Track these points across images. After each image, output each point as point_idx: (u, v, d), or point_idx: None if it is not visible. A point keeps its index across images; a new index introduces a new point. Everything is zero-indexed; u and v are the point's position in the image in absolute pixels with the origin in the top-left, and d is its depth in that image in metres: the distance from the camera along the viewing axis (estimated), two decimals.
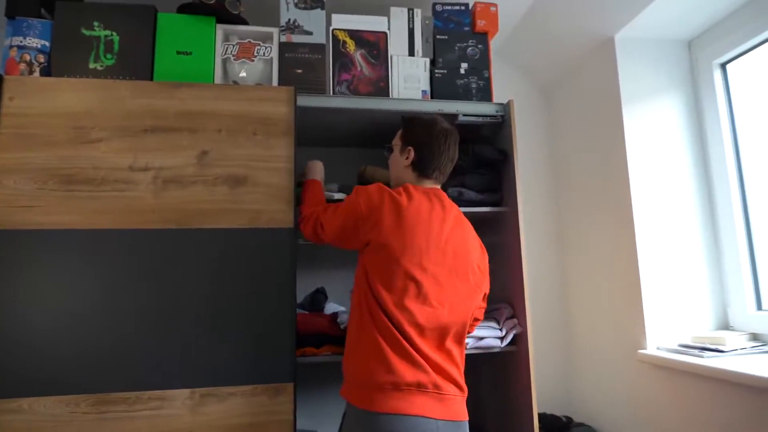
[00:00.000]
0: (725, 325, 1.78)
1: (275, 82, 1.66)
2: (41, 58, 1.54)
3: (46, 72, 1.54)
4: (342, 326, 1.66)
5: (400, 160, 1.44)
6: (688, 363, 1.54)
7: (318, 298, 1.95)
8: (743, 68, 1.80)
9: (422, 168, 1.41)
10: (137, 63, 1.58)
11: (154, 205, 1.45)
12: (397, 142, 1.48)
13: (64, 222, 1.40)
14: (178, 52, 1.61)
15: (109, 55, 1.57)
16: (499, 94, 1.99)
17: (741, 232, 1.75)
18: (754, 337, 1.66)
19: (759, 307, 1.71)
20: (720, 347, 1.55)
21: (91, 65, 1.56)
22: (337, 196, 1.69)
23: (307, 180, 1.58)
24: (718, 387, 1.48)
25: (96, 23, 1.57)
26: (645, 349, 1.75)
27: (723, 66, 1.86)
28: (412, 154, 1.41)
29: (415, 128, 1.43)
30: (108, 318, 1.38)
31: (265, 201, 1.49)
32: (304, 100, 1.60)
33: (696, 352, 1.57)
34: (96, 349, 1.37)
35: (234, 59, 1.66)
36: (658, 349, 1.74)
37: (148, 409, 1.38)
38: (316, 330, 1.62)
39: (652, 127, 1.89)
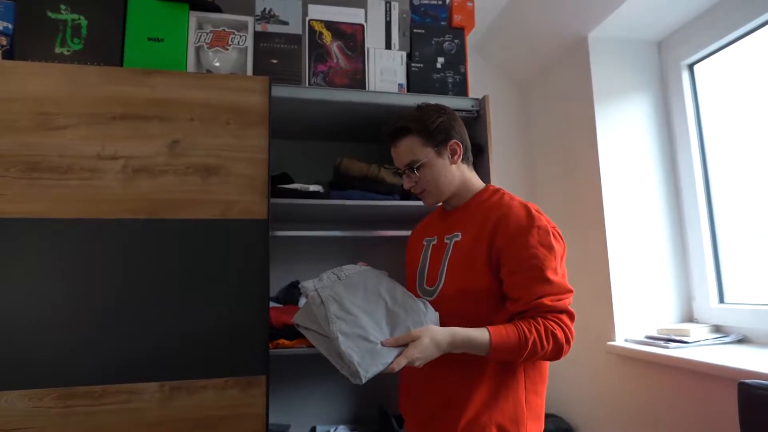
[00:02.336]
0: (689, 318, 1.84)
1: (250, 72, 1.64)
2: (3, 41, 1.48)
3: (8, 55, 1.49)
4: None
5: (446, 164, 1.15)
6: (654, 354, 1.59)
7: (292, 291, 1.94)
8: (710, 69, 1.85)
9: (468, 156, 1.20)
10: (106, 49, 1.53)
11: (122, 194, 1.41)
12: (423, 152, 1.13)
13: (27, 211, 1.35)
14: (150, 39, 1.57)
15: (76, 40, 1.52)
16: (474, 90, 2.00)
17: (705, 229, 1.81)
18: (717, 329, 1.71)
19: (721, 300, 1.76)
20: (684, 338, 1.60)
21: (57, 50, 1.51)
22: (313, 188, 1.68)
23: (492, 348, 0.98)
24: (682, 376, 1.52)
25: (63, 6, 1.52)
26: (614, 341, 1.80)
27: (690, 67, 1.91)
28: (459, 146, 1.16)
29: (436, 118, 1.15)
30: (74, 310, 1.34)
31: (237, 192, 1.47)
32: (279, 91, 1.59)
33: (662, 343, 1.61)
34: (61, 342, 1.33)
35: (207, 47, 1.63)
36: (626, 340, 1.78)
37: (116, 403, 1.34)
38: (290, 323, 1.60)
39: (622, 126, 1.94)
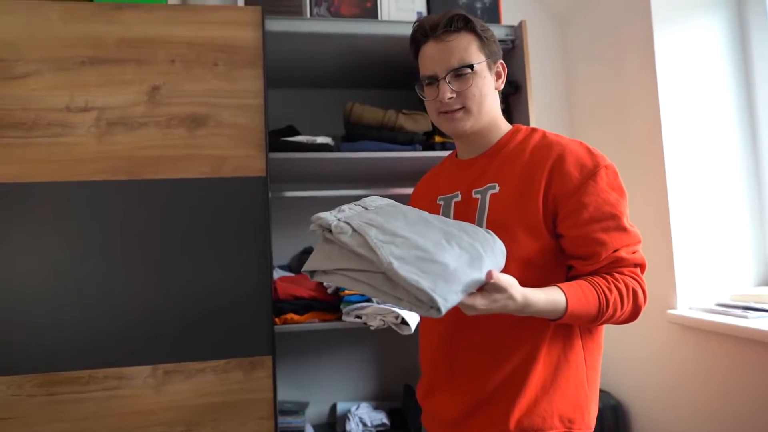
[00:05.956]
0: (767, 282, 1.57)
1: (240, 2, 1.39)
2: None
3: None
4: (329, 290, 1.45)
5: (492, 84, 0.93)
6: (729, 325, 1.33)
7: (305, 259, 1.75)
8: None
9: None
10: None
11: (97, 152, 1.22)
12: (478, 57, 0.89)
13: None
14: None
15: None
16: (506, 20, 1.70)
17: None
18: None
19: None
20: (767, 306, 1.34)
21: None
22: (321, 140, 1.45)
23: (567, 314, 0.79)
24: (765, 351, 1.27)
25: None
26: (675, 309, 1.55)
27: None
28: (504, 70, 0.96)
29: (488, 29, 0.94)
30: (52, 287, 1.19)
31: (230, 145, 1.26)
32: (275, 25, 1.34)
33: (739, 312, 1.36)
34: (40, 323, 1.18)
35: None
36: (690, 309, 1.53)
37: (104, 389, 1.20)
38: (299, 295, 1.41)
39: (687, 52, 1.62)
